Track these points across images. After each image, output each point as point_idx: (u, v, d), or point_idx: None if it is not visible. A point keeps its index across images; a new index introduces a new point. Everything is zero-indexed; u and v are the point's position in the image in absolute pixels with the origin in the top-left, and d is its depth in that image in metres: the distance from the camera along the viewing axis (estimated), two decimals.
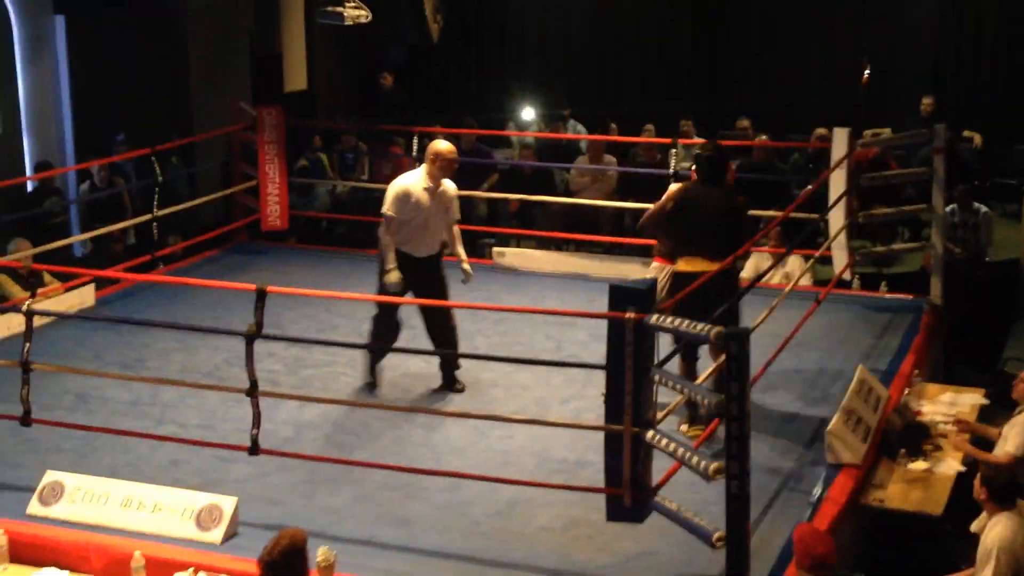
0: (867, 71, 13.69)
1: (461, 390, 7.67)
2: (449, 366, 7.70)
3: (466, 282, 7.72)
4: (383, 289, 7.42)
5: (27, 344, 6.40)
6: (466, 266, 7.70)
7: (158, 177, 10.26)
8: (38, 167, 11.28)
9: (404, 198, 7.40)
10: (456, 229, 7.76)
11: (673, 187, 6.95)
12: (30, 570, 5.64)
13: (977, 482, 5.72)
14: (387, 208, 7.42)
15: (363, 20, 10.62)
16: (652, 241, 10.58)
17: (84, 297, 9.25)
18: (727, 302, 6.25)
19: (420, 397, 7.56)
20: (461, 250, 7.76)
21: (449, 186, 7.58)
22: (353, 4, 10.52)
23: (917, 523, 6.29)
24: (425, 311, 7.55)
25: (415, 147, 10.98)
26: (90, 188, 11.32)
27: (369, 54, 15.73)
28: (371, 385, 7.64)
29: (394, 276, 7.35)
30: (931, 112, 12.43)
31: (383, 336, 7.52)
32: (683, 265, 6.67)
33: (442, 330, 7.57)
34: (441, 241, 7.66)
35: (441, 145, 7.53)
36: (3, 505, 6.12)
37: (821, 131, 11.42)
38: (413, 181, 7.46)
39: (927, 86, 13.53)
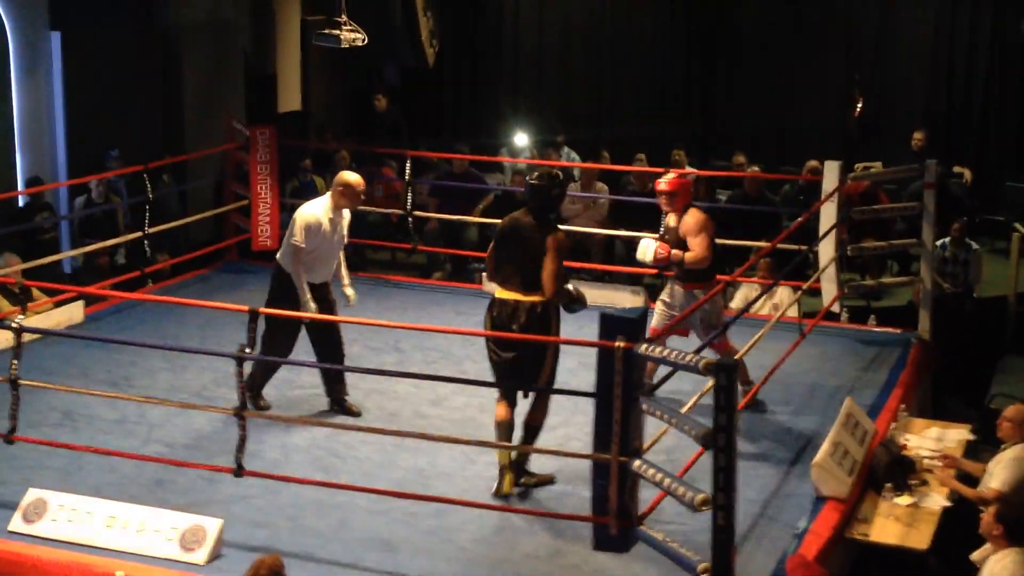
0: (859, 104, 13.76)
1: (357, 414, 7.60)
2: (340, 388, 7.64)
3: (348, 306, 7.68)
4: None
5: (15, 360, 6.39)
6: (349, 291, 7.66)
7: (149, 195, 10.25)
8: (29, 182, 11.27)
9: (315, 229, 7.33)
10: (343, 252, 7.70)
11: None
12: None
13: (989, 517, 5.68)
14: (297, 239, 7.32)
15: (359, 43, 10.63)
16: (647, 270, 10.68)
17: (73, 313, 9.23)
18: (538, 335, 6.30)
19: (407, 421, 7.54)
20: (345, 272, 7.71)
21: (346, 213, 7.54)
22: (349, 27, 10.53)
23: (902, 557, 6.29)
24: (314, 334, 7.48)
25: (408, 170, 11.00)
26: (86, 202, 11.32)
27: (364, 77, 15.76)
28: (262, 407, 7.50)
29: (313, 305, 7.30)
30: (922, 147, 12.49)
31: (270, 363, 7.46)
32: (499, 293, 6.54)
33: (333, 353, 7.53)
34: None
35: (350, 176, 7.44)
36: None
37: (813, 164, 11.47)
38: (321, 211, 7.37)
39: (918, 121, 13.59)
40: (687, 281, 7.58)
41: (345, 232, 7.58)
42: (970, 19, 14.36)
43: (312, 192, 12.66)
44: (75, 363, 8.46)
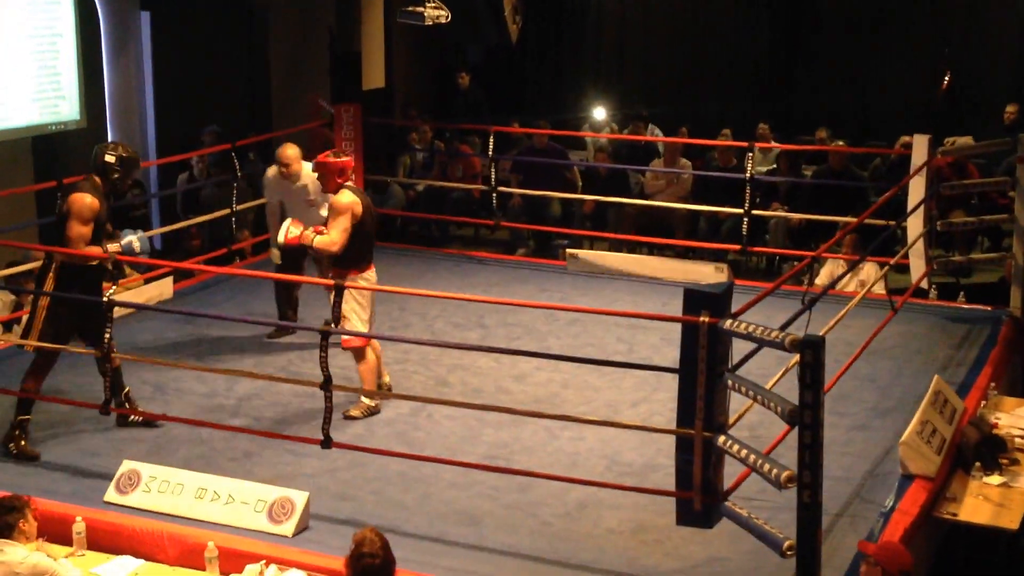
0: (947, 78, 13.50)
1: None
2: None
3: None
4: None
5: (107, 334, 6.52)
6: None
7: (237, 172, 10.39)
8: None
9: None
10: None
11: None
12: (107, 557, 5.74)
13: None
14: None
15: (443, 20, 10.65)
16: (730, 246, 10.60)
17: (163, 289, 9.39)
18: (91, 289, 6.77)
19: (490, 396, 7.58)
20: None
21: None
22: (433, 4, 10.56)
23: (991, 538, 6.19)
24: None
25: (491, 146, 10.99)
26: (188, 179, 11.50)
27: (447, 54, 15.80)
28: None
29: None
30: (1014, 120, 12.22)
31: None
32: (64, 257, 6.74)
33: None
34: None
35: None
36: (81, 493, 6.26)
37: (906, 139, 11.26)
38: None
39: (1010, 94, 13.29)
40: (332, 266, 7.20)
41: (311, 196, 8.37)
42: None
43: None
44: (165, 337, 8.63)
